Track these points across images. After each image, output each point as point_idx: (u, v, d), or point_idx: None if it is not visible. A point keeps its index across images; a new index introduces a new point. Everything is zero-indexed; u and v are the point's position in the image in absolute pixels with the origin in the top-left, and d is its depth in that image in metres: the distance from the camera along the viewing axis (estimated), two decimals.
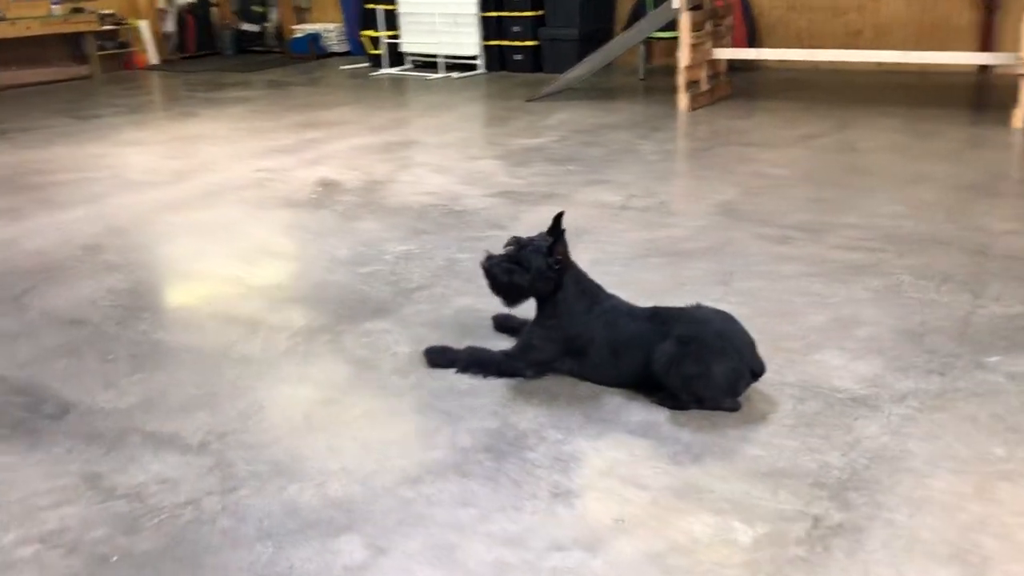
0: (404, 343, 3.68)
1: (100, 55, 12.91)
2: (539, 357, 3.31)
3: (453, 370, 3.38)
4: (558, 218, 3.21)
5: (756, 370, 3.07)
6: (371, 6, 12.03)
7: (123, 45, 13.58)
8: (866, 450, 2.77)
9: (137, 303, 4.26)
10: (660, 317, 3.18)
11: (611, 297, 3.33)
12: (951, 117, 7.65)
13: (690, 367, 2.98)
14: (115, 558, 2.45)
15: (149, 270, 4.79)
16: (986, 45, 9.21)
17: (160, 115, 9.62)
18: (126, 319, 4.06)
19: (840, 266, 4.29)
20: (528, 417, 3.06)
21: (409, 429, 3.03)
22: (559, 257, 3.21)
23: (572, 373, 3.31)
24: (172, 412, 3.22)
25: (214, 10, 14.83)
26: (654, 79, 10.20)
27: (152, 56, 14.00)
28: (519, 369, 3.32)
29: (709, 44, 8.52)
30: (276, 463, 2.86)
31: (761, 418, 2.99)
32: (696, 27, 8.22)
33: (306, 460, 2.88)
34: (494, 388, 3.28)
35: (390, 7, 11.80)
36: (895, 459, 2.72)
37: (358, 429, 3.05)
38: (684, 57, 8.14)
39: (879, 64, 9.50)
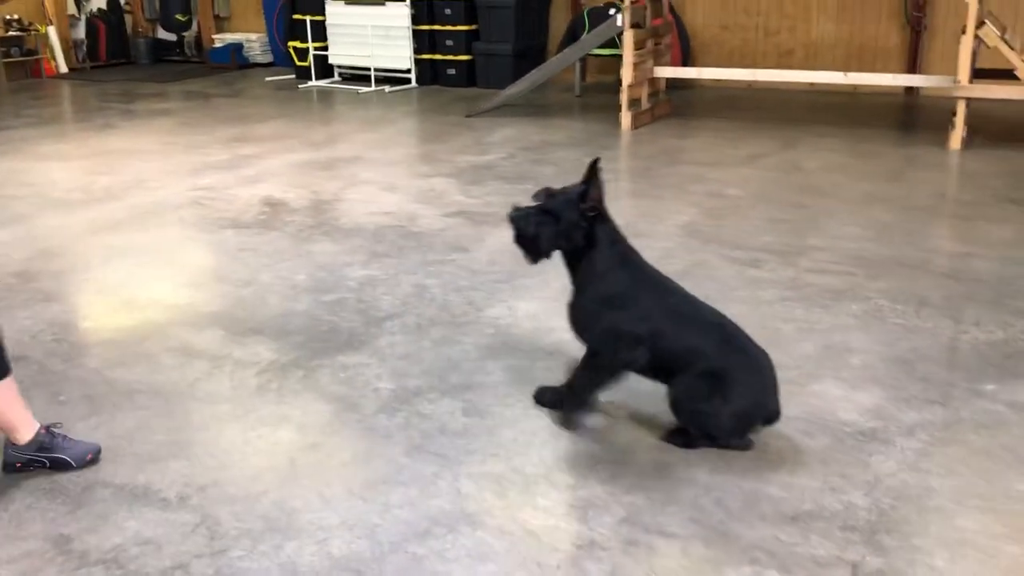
0: (385, 379, 3.48)
1: (5, 62, 12.22)
2: (630, 339, 2.91)
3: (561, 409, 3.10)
4: (594, 163, 2.92)
5: (771, 417, 2.95)
6: (299, 16, 11.70)
7: (30, 52, 12.89)
8: (888, 488, 2.70)
9: (82, 337, 3.94)
10: (720, 329, 3.01)
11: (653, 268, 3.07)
12: (886, 137, 7.80)
13: (703, 404, 2.86)
14: None
15: (90, 298, 4.45)
16: (913, 67, 9.47)
17: (78, 127, 9.12)
18: (73, 355, 3.74)
19: (816, 290, 4.26)
20: (533, 461, 2.90)
21: (405, 475, 2.83)
22: (593, 203, 2.93)
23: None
24: (142, 461, 2.95)
25: (127, 17, 14.23)
26: (589, 96, 10.16)
27: (61, 64, 13.32)
28: (617, 365, 2.96)
29: (650, 63, 8.52)
30: (267, 518, 2.63)
31: (776, 455, 2.89)
32: (638, 45, 8.21)
33: (299, 513, 2.65)
34: (489, 428, 3.10)
35: (319, 18, 11.49)
36: (919, 498, 2.66)
37: (350, 476, 2.83)
38: (627, 76, 8.11)
39: (811, 84, 9.68)
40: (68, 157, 7.54)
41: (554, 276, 4.47)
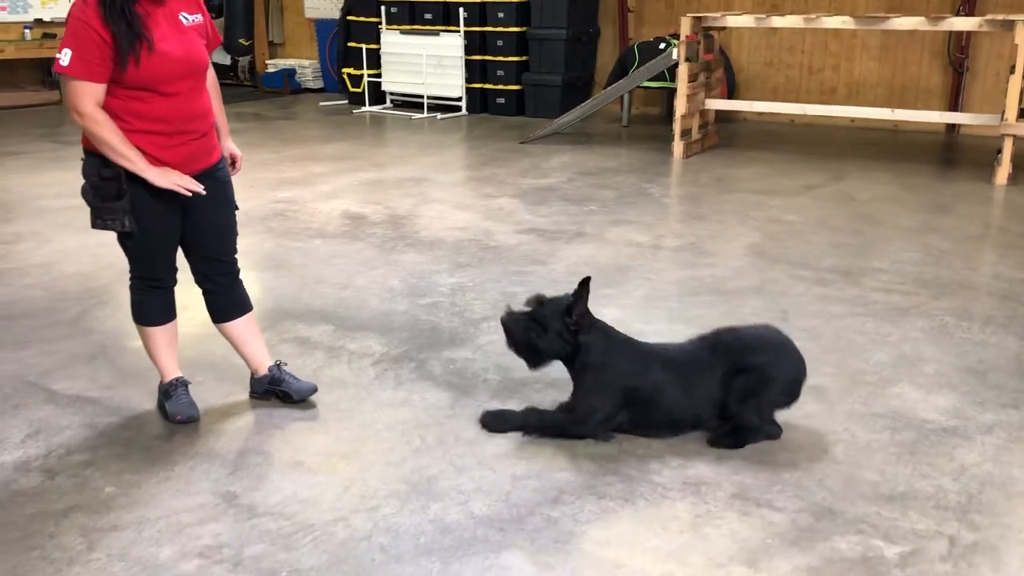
0: (492, 371, 3.76)
1: None
2: (603, 416, 3.17)
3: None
4: (584, 282, 3.13)
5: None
6: (354, 44, 12.14)
7: None
8: (974, 476, 2.95)
9: (207, 328, 4.24)
10: (720, 345, 3.24)
11: (645, 343, 3.31)
12: (931, 173, 8.08)
13: (759, 397, 3.12)
14: (284, 573, 2.46)
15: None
16: (955, 106, 9.76)
17: None
18: (197, 343, 4.04)
19: (883, 307, 4.52)
20: (643, 444, 3.16)
21: (528, 452, 3.11)
22: (577, 319, 3.13)
23: (635, 424, 3.20)
24: (285, 434, 3.24)
25: None
26: (636, 127, 10.50)
27: None
28: (586, 432, 3.17)
29: (702, 95, 8.85)
30: (409, 482, 2.91)
31: (866, 446, 3.15)
32: (691, 78, 8.54)
33: (437, 480, 2.93)
34: None
35: (374, 46, 11.92)
36: (1004, 485, 2.90)
37: (477, 451, 3.11)
38: (681, 106, 8.44)
39: (852, 120, 9.98)
40: None
41: (634, 286, 4.78)
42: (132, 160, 2.92)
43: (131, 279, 3.24)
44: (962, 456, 3.08)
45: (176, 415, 3.27)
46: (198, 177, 3.07)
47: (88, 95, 2.85)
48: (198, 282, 3.33)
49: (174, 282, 3.27)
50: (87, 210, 3.08)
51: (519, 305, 3.27)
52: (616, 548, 2.57)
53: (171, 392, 3.31)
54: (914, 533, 2.65)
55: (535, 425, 3.22)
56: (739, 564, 2.50)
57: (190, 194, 3.00)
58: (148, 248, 3.12)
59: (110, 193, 2.96)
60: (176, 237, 3.16)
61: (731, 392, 3.12)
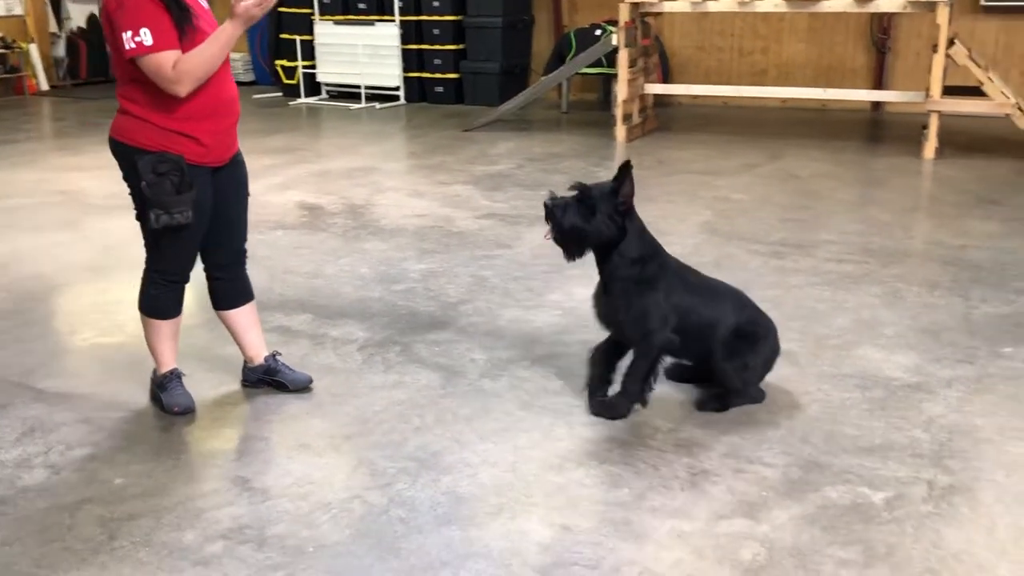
0: (477, 351, 3.86)
1: None
2: (660, 325, 3.21)
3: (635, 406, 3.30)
4: (626, 164, 3.15)
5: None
6: (287, 36, 12.03)
7: (13, 70, 12.99)
8: (942, 426, 3.17)
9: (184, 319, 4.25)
10: (741, 300, 3.39)
11: (671, 257, 3.36)
12: (862, 149, 8.43)
13: (748, 358, 3.27)
14: (311, 548, 2.53)
15: None
16: (879, 84, 10.17)
17: (85, 141, 9.29)
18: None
19: (838, 276, 4.76)
20: (632, 411, 3.31)
21: (526, 424, 3.22)
22: (624, 200, 3.17)
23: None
24: (284, 419, 3.30)
25: None
26: (575, 112, 10.67)
27: (42, 82, 13.42)
28: (654, 348, 3.22)
29: (641, 80, 9.05)
30: (416, 459, 3.00)
31: (840, 404, 3.35)
32: (631, 64, 8.73)
33: (443, 455, 3.02)
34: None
35: (307, 37, 11.83)
36: (969, 432, 3.13)
37: (477, 426, 3.21)
38: (622, 92, 8.63)
39: (783, 101, 10.32)
40: (87, 168, 7.75)
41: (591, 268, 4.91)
42: (224, 40, 2.93)
43: (150, 273, 3.24)
44: (929, 409, 3.30)
45: (173, 406, 3.30)
46: (227, 164, 3.16)
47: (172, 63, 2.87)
48: (210, 271, 3.35)
49: (189, 278, 3.28)
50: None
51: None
52: (624, 508, 2.71)
53: (166, 384, 3.33)
54: (896, 480, 2.84)
55: (638, 388, 3.25)
56: (741, 516, 2.66)
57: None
58: (184, 243, 3.13)
59: (168, 187, 2.96)
60: (205, 230, 3.18)
61: (723, 346, 3.26)
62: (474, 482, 2.86)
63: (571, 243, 3.24)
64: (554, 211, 3.18)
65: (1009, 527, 2.60)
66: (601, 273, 3.33)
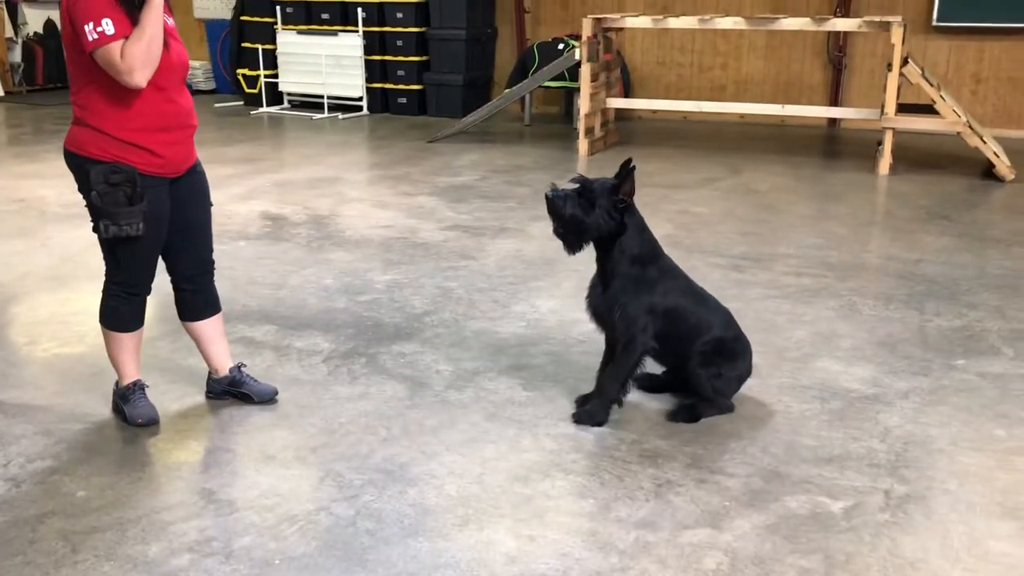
0: (443, 362, 3.88)
1: None
2: (649, 329, 3.29)
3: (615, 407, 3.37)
4: (628, 162, 3.19)
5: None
6: (248, 45, 11.97)
7: None
8: (898, 437, 3.25)
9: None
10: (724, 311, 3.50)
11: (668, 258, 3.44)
12: (819, 164, 8.59)
13: (724, 368, 3.37)
14: (278, 560, 2.53)
15: None
16: (835, 101, 10.37)
17: (42, 149, 9.16)
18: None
19: (796, 289, 4.85)
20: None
21: (492, 436, 3.25)
22: (625, 197, 3.22)
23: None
24: (249, 431, 3.29)
25: None
26: (537, 125, 10.74)
27: None
28: (641, 354, 3.30)
29: (603, 94, 9.14)
30: (383, 470, 3.01)
31: (800, 415, 3.42)
32: (593, 77, 8.82)
33: (409, 467, 3.04)
34: (549, 399, 3.54)
35: (269, 46, 11.78)
36: (924, 443, 3.21)
37: (443, 438, 3.23)
38: (585, 105, 8.71)
39: (741, 116, 10.48)
40: (45, 176, 7.65)
41: (564, 277, 4.97)
42: (153, 16, 2.90)
43: (109, 285, 3.21)
44: (885, 420, 3.38)
45: (137, 418, 3.27)
46: (186, 174, 3.15)
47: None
48: (176, 282, 3.33)
49: (150, 290, 3.25)
50: None
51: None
52: (590, 518, 2.75)
53: (129, 396, 3.30)
54: (853, 489, 2.91)
55: (616, 388, 3.32)
56: (704, 526, 2.71)
57: None
58: (140, 254, 3.12)
59: (120, 198, 2.94)
60: (163, 241, 3.17)
61: (701, 354, 3.33)
62: (441, 493, 2.87)
63: (571, 234, 3.29)
64: (555, 201, 3.24)
65: (962, 535, 2.68)
66: (601, 268, 3.39)
